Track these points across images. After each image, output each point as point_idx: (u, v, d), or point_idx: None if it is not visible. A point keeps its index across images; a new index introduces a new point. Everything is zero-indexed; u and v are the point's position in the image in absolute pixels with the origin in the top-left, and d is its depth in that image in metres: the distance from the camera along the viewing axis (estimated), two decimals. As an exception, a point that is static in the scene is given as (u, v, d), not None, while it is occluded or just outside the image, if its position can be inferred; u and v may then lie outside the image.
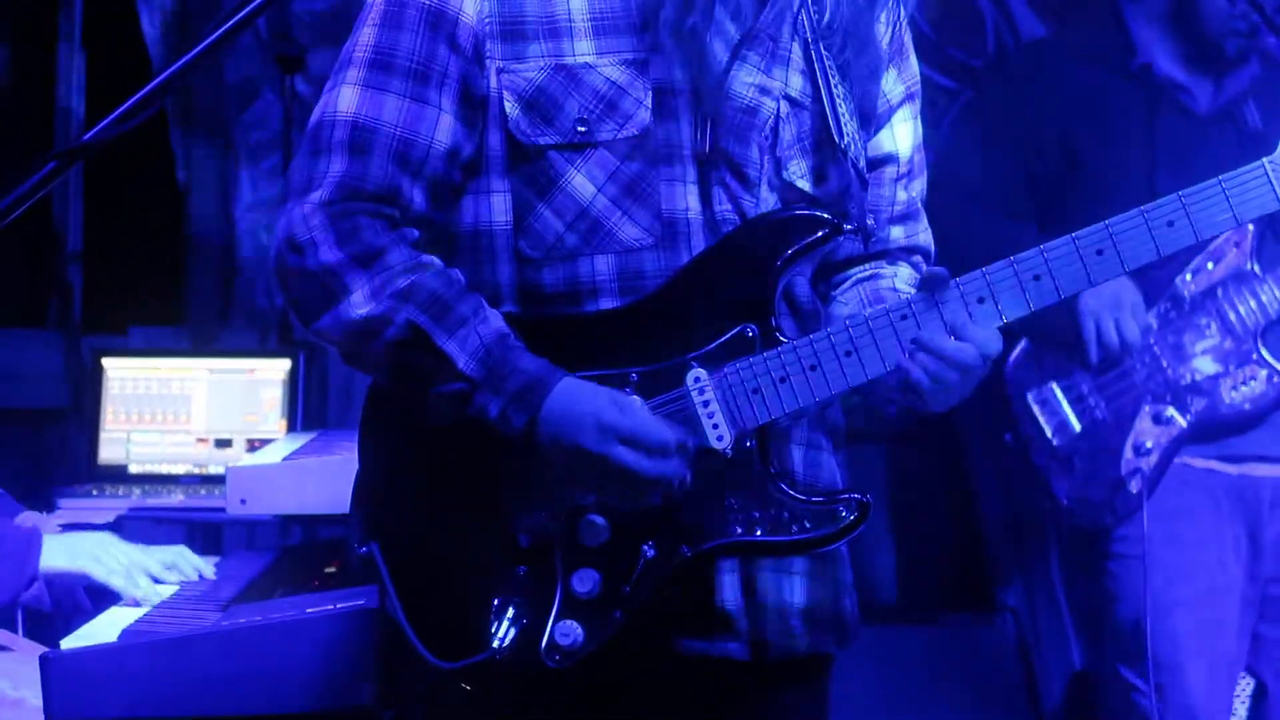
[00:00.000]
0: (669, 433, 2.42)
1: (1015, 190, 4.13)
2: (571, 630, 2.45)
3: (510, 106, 2.52)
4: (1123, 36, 4.13)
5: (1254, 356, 3.98)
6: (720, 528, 2.47)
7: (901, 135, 2.78)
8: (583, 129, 2.51)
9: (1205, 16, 4.03)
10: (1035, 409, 4.06)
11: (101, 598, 3.46)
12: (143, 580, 3.45)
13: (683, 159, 2.54)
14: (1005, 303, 2.51)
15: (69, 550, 3.48)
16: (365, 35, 2.55)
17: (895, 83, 2.75)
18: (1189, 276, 3.98)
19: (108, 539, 3.60)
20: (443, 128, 2.52)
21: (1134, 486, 3.97)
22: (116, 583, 3.44)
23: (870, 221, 2.72)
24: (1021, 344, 4.11)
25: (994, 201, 4.10)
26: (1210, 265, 3.97)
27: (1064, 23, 4.69)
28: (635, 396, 2.47)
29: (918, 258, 2.83)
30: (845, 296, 2.73)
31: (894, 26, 2.73)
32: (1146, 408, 3.99)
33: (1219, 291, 3.99)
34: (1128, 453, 3.99)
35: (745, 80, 2.57)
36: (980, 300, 2.51)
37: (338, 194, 2.49)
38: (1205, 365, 4.00)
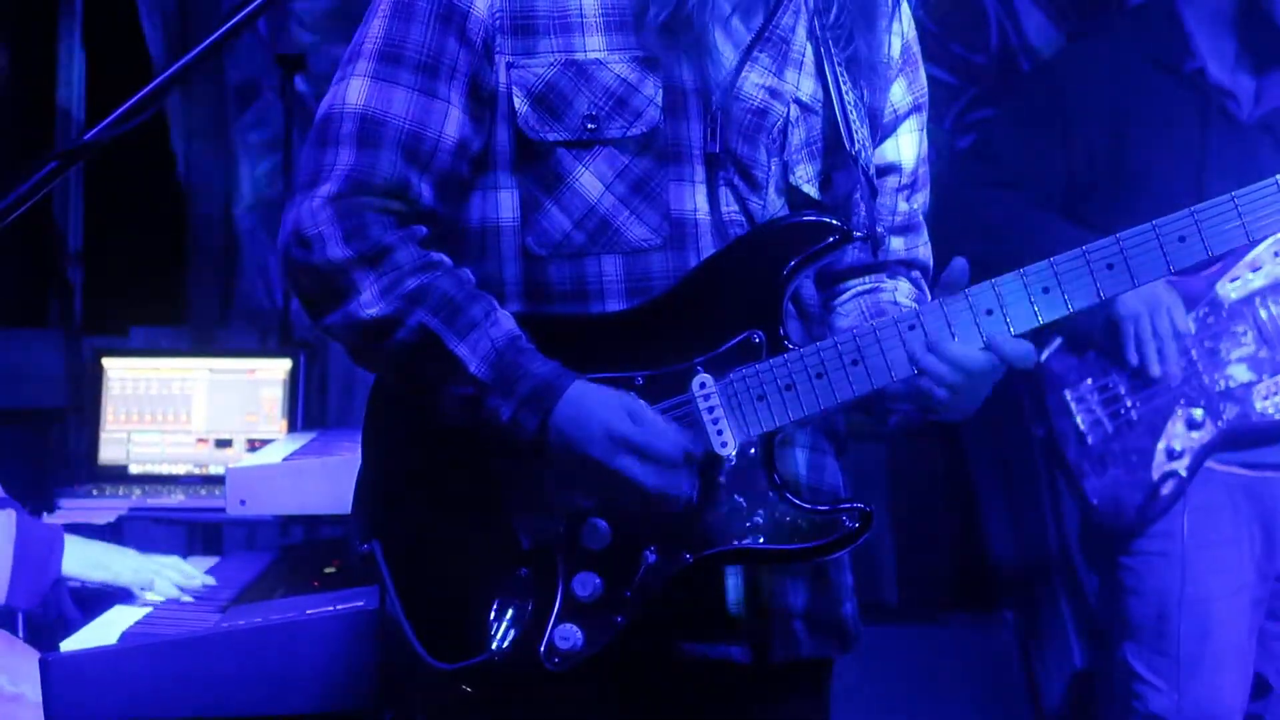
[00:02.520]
0: (677, 445, 2.41)
1: (1053, 185, 4.12)
2: (571, 634, 2.44)
3: (519, 102, 2.51)
4: (1179, 39, 4.11)
5: None
6: (723, 534, 2.46)
7: (906, 146, 2.76)
8: (591, 126, 2.50)
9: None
10: (1071, 405, 4.05)
11: (89, 607, 3.45)
12: (155, 580, 3.45)
13: (691, 159, 2.53)
14: (1013, 315, 2.50)
15: (82, 557, 3.47)
16: (375, 27, 2.54)
17: (904, 93, 2.74)
18: (1229, 283, 3.98)
19: (114, 547, 3.60)
20: (451, 121, 2.51)
21: (1165, 489, 3.98)
22: (127, 580, 3.43)
23: (880, 229, 2.72)
24: (1057, 339, 4.09)
25: (1031, 191, 4.09)
26: (1250, 274, 3.97)
27: (1120, 17, 4.67)
28: (643, 402, 2.45)
29: (916, 273, 2.81)
30: (845, 309, 2.72)
31: (903, 35, 2.73)
32: (1180, 412, 3.99)
33: (1257, 300, 3.99)
34: (1160, 456, 3.99)
35: (756, 82, 2.56)
36: (988, 312, 2.49)
37: (346, 187, 2.47)
38: (1239, 373, 4.00)
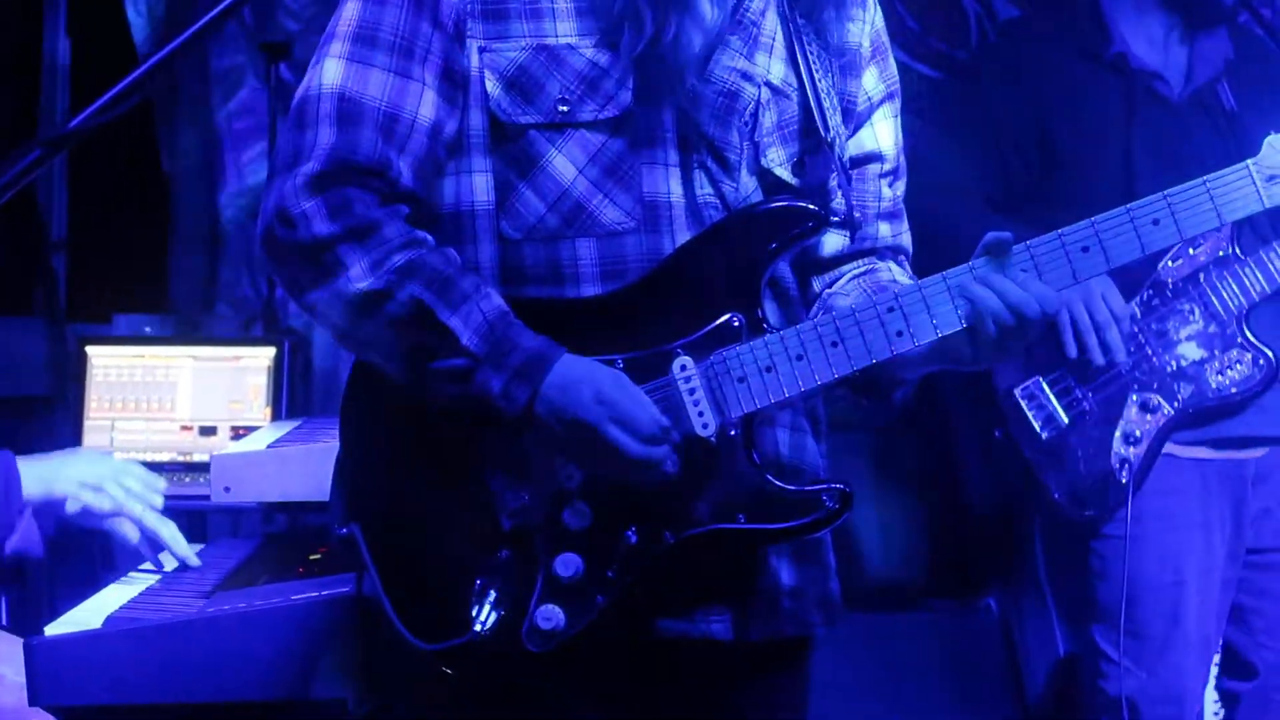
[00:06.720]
0: (656, 419, 2.44)
1: (989, 181, 4.13)
2: (553, 614, 2.46)
3: (491, 85, 2.53)
4: (1098, 24, 4.13)
5: (1238, 340, 3.99)
6: (704, 515, 2.49)
7: (884, 133, 2.79)
8: (564, 109, 2.52)
9: None
10: (1023, 404, 4.06)
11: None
12: (119, 494, 3.36)
13: (663, 142, 2.56)
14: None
15: (43, 476, 3.37)
16: (349, 10, 2.56)
17: (876, 81, 2.77)
18: (1170, 263, 3.99)
19: (84, 454, 3.51)
20: (426, 103, 2.53)
21: (1123, 476, 3.98)
22: (94, 499, 3.34)
23: (857, 215, 2.74)
24: None
25: (970, 192, 4.10)
26: (1191, 250, 3.98)
27: (1039, 10, 4.68)
28: (627, 377, 2.47)
29: (902, 257, 2.84)
30: (846, 289, 2.74)
31: (873, 24, 2.76)
32: (1134, 397, 4.00)
33: (1201, 276, 4.00)
34: (1117, 444, 3.99)
35: (726, 64, 2.59)
36: (964, 294, 2.52)
37: (328, 165, 2.49)
38: (1190, 351, 4.01)
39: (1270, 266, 3.98)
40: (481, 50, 2.54)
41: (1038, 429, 4.06)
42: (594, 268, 2.54)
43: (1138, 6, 4.11)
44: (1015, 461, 4.14)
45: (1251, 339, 3.99)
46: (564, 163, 2.53)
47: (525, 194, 2.54)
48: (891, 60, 2.80)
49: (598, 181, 2.54)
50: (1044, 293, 2.50)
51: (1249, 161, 2.53)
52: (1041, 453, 4.06)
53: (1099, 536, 4.08)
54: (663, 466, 2.45)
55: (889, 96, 2.79)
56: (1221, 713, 4.32)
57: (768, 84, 2.62)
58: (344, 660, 2.91)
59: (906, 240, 2.85)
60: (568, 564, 2.46)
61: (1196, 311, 4.00)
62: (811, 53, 2.64)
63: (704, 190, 2.57)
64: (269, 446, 3.80)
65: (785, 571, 2.63)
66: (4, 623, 3.67)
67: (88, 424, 5.01)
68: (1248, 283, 3.99)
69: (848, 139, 2.72)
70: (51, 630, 3.03)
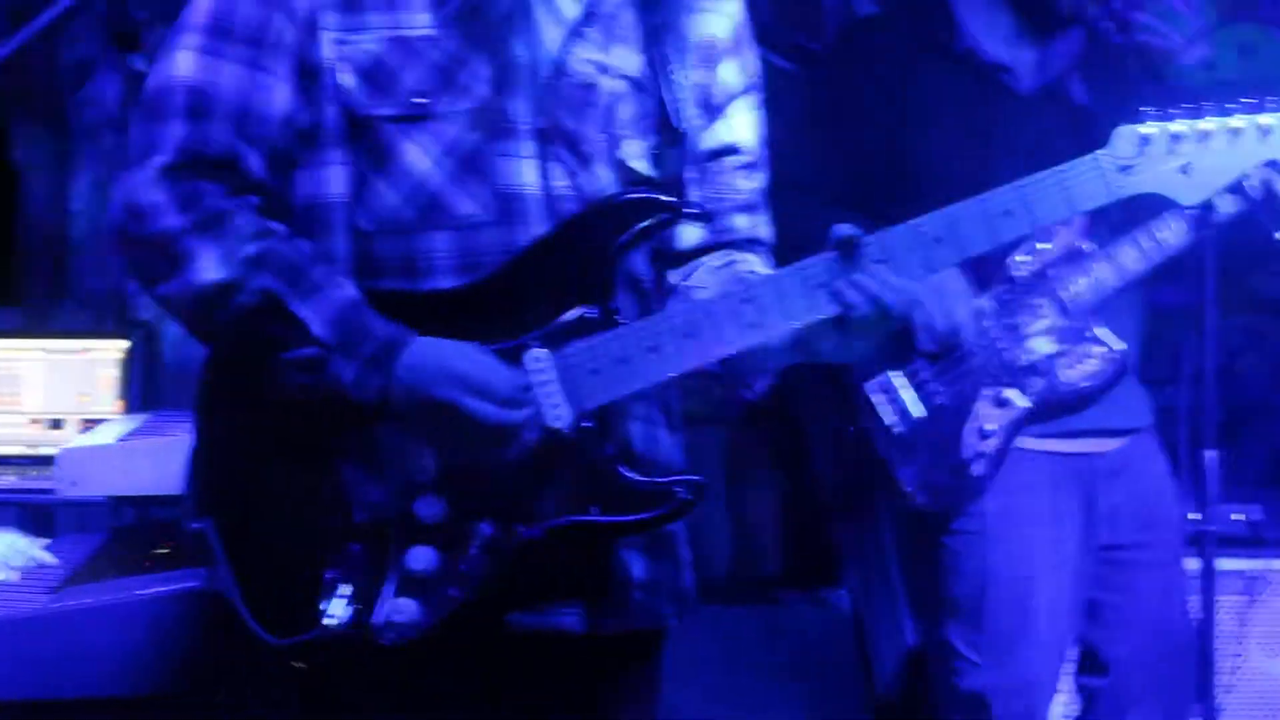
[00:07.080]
0: (517, 381, 2.44)
1: (841, 176, 4.14)
2: (406, 608, 2.45)
3: (346, 78, 2.53)
4: (946, 19, 4.15)
5: (1088, 334, 4.03)
6: (558, 507, 2.49)
7: (742, 125, 2.80)
8: (419, 101, 2.52)
9: None
10: (875, 399, 4.07)
11: None
12: None
13: (520, 134, 2.56)
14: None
15: None
16: (202, 1, 2.55)
17: (736, 73, 2.78)
18: (1020, 257, 4.02)
19: None
20: (279, 96, 2.52)
21: (977, 470, 4.01)
22: None
23: (713, 208, 2.75)
24: None
25: (822, 187, 4.11)
26: (1041, 245, 4.01)
27: (891, 4, 4.71)
28: (479, 345, 2.47)
29: (762, 249, 2.85)
30: (704, 281, 2.74)
31: (732, 16, 2.76)
32: (986, 391, 4.02)
33: (1051, 271, 4.03)
34: (970, 437, 4.01)
35: (582, 56, 2.60)
36: (820, 285, 2.54)
37: (178, 158, 2.48)
38: (1041, 345, 4.03)
39: (1120, 261, 4.03)
40: (336, 42, 2.53)
41: (891, 423, 4.07)
42: (449, 260, 2.53)
43: (987, 3, 4.14)
44: (867, 455, 4.15)
45: (1101, 334, 4.04)
46: (419, 155, 2.53)
47: (379, 187, 2.53)
48: (752, 53, 2.81)
49: (453, 174, 2.53)
50: (903, 285, 2.52)
51: (1099, 152, 2.57)
52: (894, 447, 4.07)
53: (950, 532, 4.10)
54: (524, 433, 2.44)
55: (749, 89, 2.80)
56: (1077, 708, 4.36)
57: (624, 76, 2.63)
58: (195, 655, 2.89)
59: (765, 232, 2.85)
60: (420, 557, 2.45)
61: (1047, 306, 4.03)
62: (669, 45, 2.65)
63: (560, 183, 2.57)
64: (118, 440, 3.77)
65: (638, 564, 2.64)
66: None
67: (-67, 418, 4.93)
68: (1098, 277, 4.03)
69: (706, 131, 2.73)
70: (-107, 626, 2.99)
